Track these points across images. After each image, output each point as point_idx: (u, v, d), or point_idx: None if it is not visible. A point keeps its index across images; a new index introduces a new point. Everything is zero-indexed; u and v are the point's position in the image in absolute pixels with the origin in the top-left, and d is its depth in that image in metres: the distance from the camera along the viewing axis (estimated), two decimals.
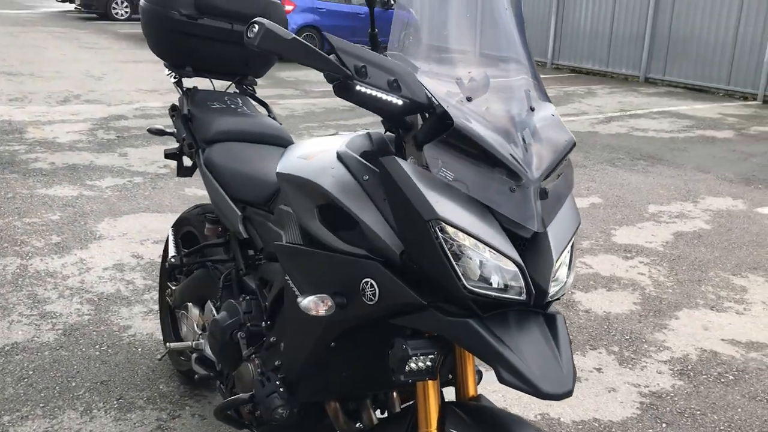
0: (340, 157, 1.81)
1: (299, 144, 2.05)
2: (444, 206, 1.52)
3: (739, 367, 3.54)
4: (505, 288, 1.56)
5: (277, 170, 1.98)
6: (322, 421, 2.17)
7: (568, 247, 1.66)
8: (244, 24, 2.93)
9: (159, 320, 3.49)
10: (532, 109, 1.70)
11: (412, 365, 1.62)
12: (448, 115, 1.57)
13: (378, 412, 2.14)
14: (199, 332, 2.68)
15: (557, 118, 1.74)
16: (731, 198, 6.48)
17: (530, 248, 1.60)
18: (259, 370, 2.18)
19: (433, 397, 1.73)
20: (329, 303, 1.70)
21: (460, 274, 1.52)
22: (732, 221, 5.77)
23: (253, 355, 2.23)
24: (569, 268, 1.68)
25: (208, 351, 2.59)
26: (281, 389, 1.95)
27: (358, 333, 1.84)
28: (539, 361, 1.54)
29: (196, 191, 5.73)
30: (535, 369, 1.52)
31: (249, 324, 2.26)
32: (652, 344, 3.71)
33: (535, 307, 1.61)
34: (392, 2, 2.35)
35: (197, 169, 3.22)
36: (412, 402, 2.00)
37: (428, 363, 1.63)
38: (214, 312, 2.52)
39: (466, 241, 1.52)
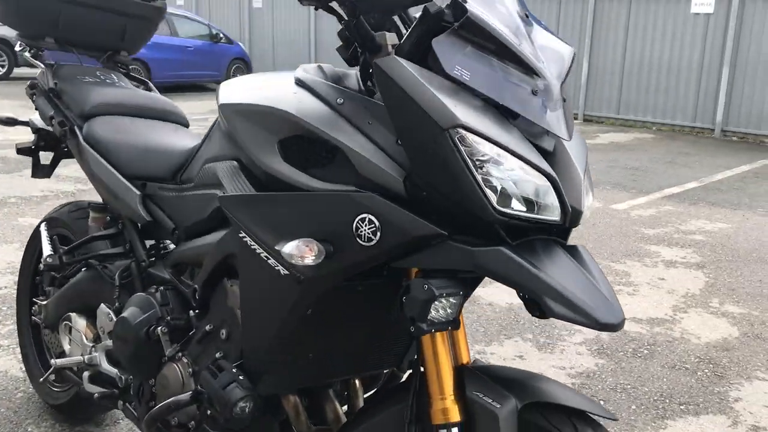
0: (301, 83, 1.48)
1: (237, 79, 1.68)
2: (464, 112, 1.25)
3: (649, 341, 3.54)
4: (538, 207, 1.31)
5: (221, 102, 1.60)
6: (277, 420, 1.79)
7: (588, 167, 1.44)
8: None
9: (17, 353, 2.87)
10: (527, 16, 1.48)
11: (434, 312, 1.31)
12: (442, 16, 1.31)
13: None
14: (90, 345, 2.17)
15: (550, 31, 1.54)
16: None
17: (553, 163, 1.36)
18: (190, 369, 1.76)
19: (445, 356, 1.43)
20: (315, 248, 1.35)
21: (488, 193, 1.25)
22: (594, 218, 5.95)
23: (180, 354, 1.80)
24: (591, 190, 1.46)
25: (105, 365, 2.10)
26: (240, 377, 1.55)
27: (339, 297, 1.51)
28: (583, 289, 1.30)
29: (32, 220, 4.98)
30: (584, 298, 1.28)
31: (170, 317, 1.83)
32: (562, 329, 3.62)
33: (565, 233, 1.38)
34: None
35: (56, 167, 2.71)
36: (405, 378, 1.68)
37: (451, 308, 1.33)
38: (113, 315, 2.05)
39: (492, 152, 1.25)
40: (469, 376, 1.43)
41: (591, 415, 1.45)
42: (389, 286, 1.60)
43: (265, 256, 1.47)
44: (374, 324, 1.68)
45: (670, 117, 11.31)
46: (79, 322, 2.22)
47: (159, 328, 1.80)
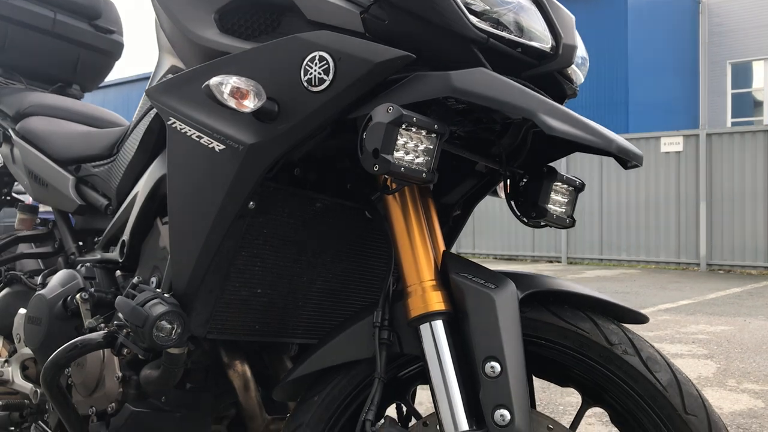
0: None
1: None
2: None
3: None
4: (522, 32, 1.10)
5: None
6: (223, 400, 1.43)
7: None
8: (72, 15, 2.42)
9: None
10: None
11: (403, 154, 1.03)
12: None
13: None
14: (3, 360, 1.80)
15: None
16: None
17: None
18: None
19: (420, 232, 1.14)
20: (253, 88, 1.10)
21: (463, 9, 1.05)
22: None
23: (102, 325, 1.46)
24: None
25: (19, 379, 1.73)
26: (166, 296, 1.22)
27: (291, 210, 1.25)
28: (586, 122, 1.05)
29: None
30: (588, 122, 1.03)
31: (93, 289, 1.52)
32: (568, 405, 3.21)
33: (562, 93, 1.17)
34: None
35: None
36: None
37: (424, 153, 1.06)
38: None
39: None
40: (452, 259, 1.13)
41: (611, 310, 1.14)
42: (353, 211, 1.34)
43: (198, 136, 1.21)
44: (336, 260, 1.39)
45: (654, 254, 11.23)
46: None
47: (78, 295, 1.48)
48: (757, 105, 18.99)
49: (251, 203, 1.19)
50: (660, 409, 1.04)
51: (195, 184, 1.22)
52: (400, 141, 1.02)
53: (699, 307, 6.65)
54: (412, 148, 1.04)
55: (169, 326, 1.18)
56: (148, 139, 1.52)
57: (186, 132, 1.23)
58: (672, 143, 11.05)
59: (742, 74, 18.88)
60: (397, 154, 1.02)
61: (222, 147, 1.17)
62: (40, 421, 1.66)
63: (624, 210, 11.59)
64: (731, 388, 3.61)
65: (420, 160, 1.05)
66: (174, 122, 1.25)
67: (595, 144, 1.01)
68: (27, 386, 1.71)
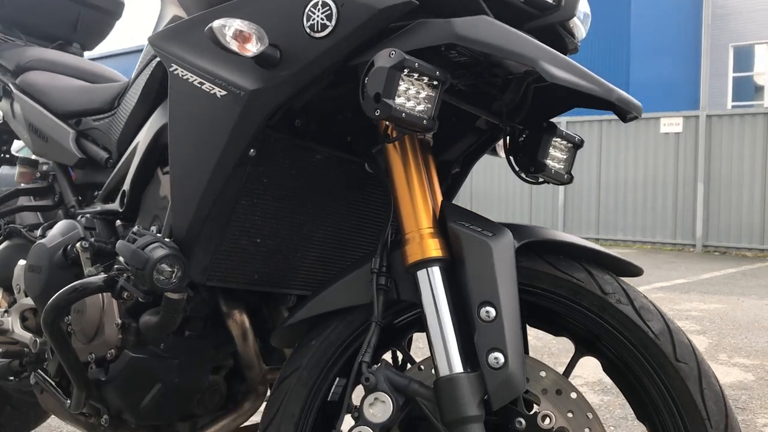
0: None
1: None
2: None
3: None
4: None
5: None
6: (221, 350, 1.45)
7: None
8: None
9: None
10: None
11: (404, 100, 1.04)
12: None
13: None
14: (3, 310, 1.82)
15: None
16: None
17: None
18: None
19: (419, 180, 1.16)
20: (256, 33, 1.10)
21: None
22: None
23: (102, 273, 1.48)
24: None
25: (19, 329, 1.75)
26: (166, 240, 1.23)
27: (292, 161, 1.26)
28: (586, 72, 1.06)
29: None
30: (589, 72, 1.04)
31: (94, 239, 1.53)
32: None
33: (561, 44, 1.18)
34: None
35: None
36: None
37: (426, 100, 1.06)
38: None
39: None
40: (450, 208, 1.14)
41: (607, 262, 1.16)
42: (353, 165, 1.35)
43: (199, 83, 1.21)
44: (335, 214, 1.40)
45: (650, 235, 11.26)
46: None
47: (78, 244, 1.49)
48: (758, 90, 18.95)
49: (252, 150, 1.19)
50: (652, 357, 1.06)
51: (196, 131, 1.23)
52: (402, 87, 1.02)
53: (693, 285, 6.69)
54: (413, 95, 1.05)
55: (169, 269, 1.19)
56: (150, 89, 1.52)
57: (188, 78, 1.23)
58: (672, 124, 11.05)
59: (744, 57, 18.82)
60: (398, 100, 1.02)
61: (224, 93, 1.18)
62: (39, 370, 1.67)
63: (622, 190, 11.60)
64: (722, 362, 3.65)
65: (421, 107, 1.06)
66: (176, 69, 1.25)
67: (596, 93, 1.01)
68: (26, 336, 1.72)
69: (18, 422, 2.29)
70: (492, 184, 12.68)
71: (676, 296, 6.00)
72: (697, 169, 10.79)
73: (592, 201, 11.92)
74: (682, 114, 11.07)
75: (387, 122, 1.10)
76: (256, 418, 1.36)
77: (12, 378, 1.78)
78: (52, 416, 2.42)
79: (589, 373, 3.26)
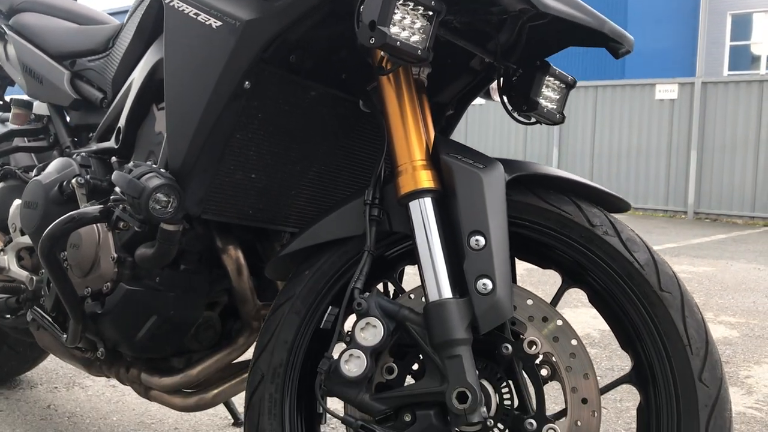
0: None
1: None
2: None
3: None
4: None
5: None
6: (216, 286, 1.47)
7: None
8: None
9: None
10: None
11: (400, 25, 1.05)
12: None
13: None
14: None
15: None
16: None
17: None
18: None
19: (412, 113, 1.17)
20: None
21: None
22: None
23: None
24: None
25: (15, 267, 1.77)
26: (162, 170, 1.25)
27: (286, 96, 1.27)
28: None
29: None
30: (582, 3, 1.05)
31: (89, 176, 1.54)
32: None
33: None
34: None
35: None
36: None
37: (421, 31, 1.07)
38: None
39: None
40: (442, 141, 1.16)
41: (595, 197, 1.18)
42: (348, 103, 1.36)
43: (195, 14, 1.22)
44: (329, 152, 1.42)
45: (642, 201, 11.31)
46: None
47: (74, 180, 1.51)
48: (755, 59, 18.88)
49: (246, 83, 1.20)
50: (636, 287, 1.09)
51: (192, 63, 1.23)
52: (397, 16, 1.03)
53: (683, 250, 6.75)
54: (408, 25, 1.06)
55: (165, 199, 1.21)
56: (145, 26, 1.52)
57: (184, 10, 1.23)
58: (667, 91, 11.02)
59: (742, 26, 18.72)
60: (393, 29, 1.03)
61: (219, 24, 1.18)
62: (36, 307, 1.70)
63: (615, 156, 11.62)
64: (709, 320, 3.70)
65: (416, 38, 1.07)
66: (172, 1, 1.26)
67: (588, 23, 1.03)
68: (23, 274, 1.74)
69: (15, 362, 2.32)
70: (484, 147, 12.66)
71: (666, 259, 6.05)
72: (691, 136, 10.80)
73: (586, 166, 11.93)
74: (678, 81, 11.05)
75: (382, 53, 1.11)
76: (249, 355, 1.39)
77: (9, 315, 1.81)
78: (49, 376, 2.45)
79: (577, 327, 3.31)
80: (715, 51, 18.58)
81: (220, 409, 2.12)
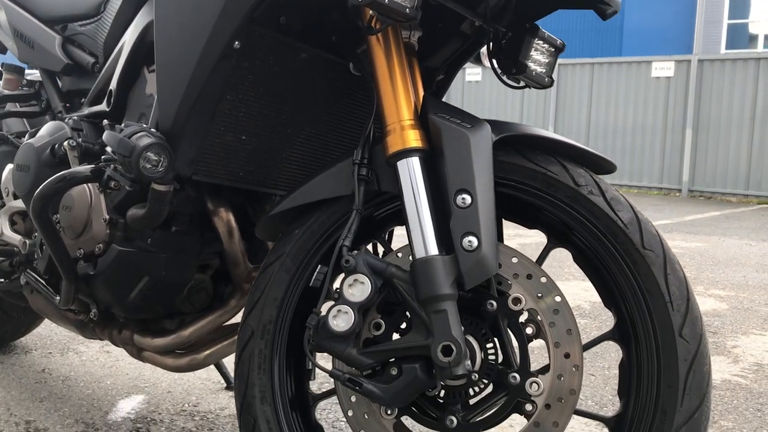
0: None
1: None
2: None
3: None
4: None
5: None
6: (207, 248, 1.49)
7: None
8: None
9: None
10: None
11: None
12: None
13: None
14: None
15: None
16: None
17: None
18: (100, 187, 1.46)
19: (401, 73, 1.18)
20: None
21: None
22: None
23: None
24: None
25: (8, 230, 1.78)
26: (153, 130, 1.26)
27: (276, 58, 1.27)
28: None
29: None
30: None
31: (81, 140, 1.55)
32: None
33: None
34: None
35: None
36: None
37: None
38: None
39: None
40: (431, 101, 1.17)
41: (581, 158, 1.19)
42: (338, 66, 1.36)
43: None
44: (319, 115, 1.42)
45: (637, 179, 11.34)
46: None
47: (66, 142, 1.51)
48: (752, 39, 18.83)
49: (236, 43, 1.21)
50: (620, 245, 1.10)
51: (182, 23, 1.24)
52: None
53: (676, 226, 6.79)
54: None
55: (155, 158, 1.22)
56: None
57: None
58: (663, 68, 11.00)
59: (740, 4, 18.63)
60: None
61: None
62: (29, 270, 1.71)
63: (610, 133, 11.62)
64: (699, 293, 3.75)
65: None
66: None
67: None
68: (16, 237, 1.75)
69: (9, 328, 2.34)
70: None
71: None
72: (687, 114, 10.81)
73: (581, 143, 11.92)
74: (674, 58, 11.03)
75: (371, 12, 1.11)
76: (240, 318, 1.41)
77: (2, 279, 1.82)
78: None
79: (568, 300, 3.34)
80: (712, 29, 18.51)
81: (213, 373, 2.15)
